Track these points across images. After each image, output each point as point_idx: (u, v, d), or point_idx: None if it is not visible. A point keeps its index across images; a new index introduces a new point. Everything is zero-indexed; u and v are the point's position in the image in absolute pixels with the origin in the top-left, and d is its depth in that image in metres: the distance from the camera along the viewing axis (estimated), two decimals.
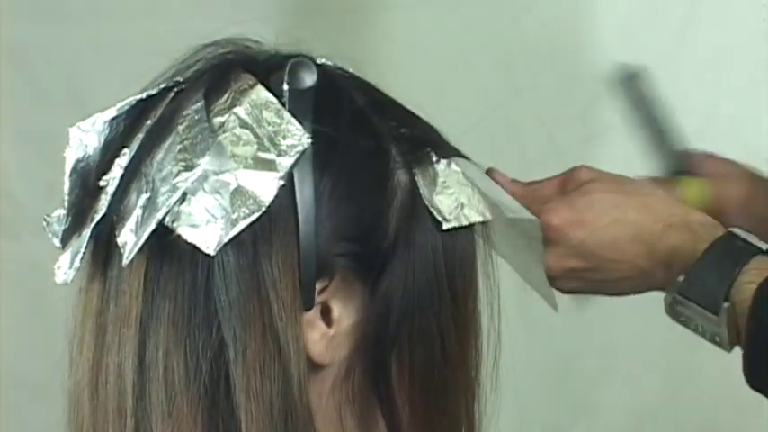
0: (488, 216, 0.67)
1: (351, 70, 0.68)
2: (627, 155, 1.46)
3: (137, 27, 1.46)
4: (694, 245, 0.82)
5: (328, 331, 0.62)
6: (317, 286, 0.61)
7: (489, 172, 0.84)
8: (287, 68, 0.61)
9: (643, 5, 1.50)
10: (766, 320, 0.79)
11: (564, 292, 0.86)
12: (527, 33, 1.50)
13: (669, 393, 1.52)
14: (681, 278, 0.81)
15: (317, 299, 0.61)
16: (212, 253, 0.58)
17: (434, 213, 0.64)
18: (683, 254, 0.82)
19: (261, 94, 0.61)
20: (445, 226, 0.64)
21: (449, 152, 0.68)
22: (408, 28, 1.49)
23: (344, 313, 0.63)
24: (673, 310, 0.83)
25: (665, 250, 0.83)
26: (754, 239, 0.84)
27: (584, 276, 0.84)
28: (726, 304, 0.80)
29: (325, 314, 0.62)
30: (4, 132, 1.49)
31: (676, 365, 1.51)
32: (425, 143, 0.67)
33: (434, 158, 0.66)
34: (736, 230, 0.84)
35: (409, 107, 0.69)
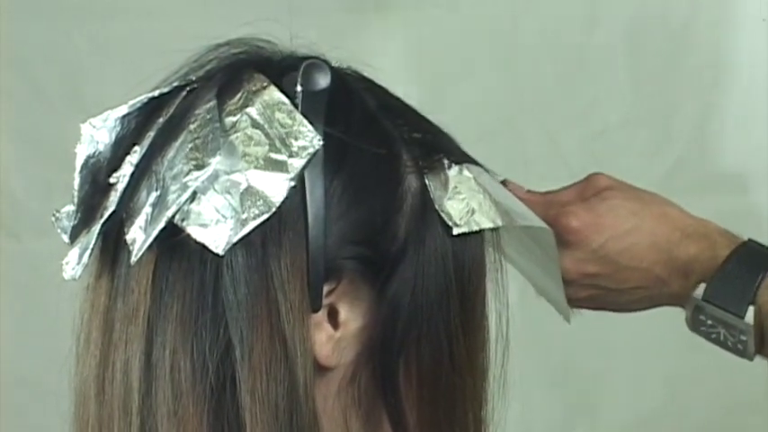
0: (499, 222, 0.66)
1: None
2: (627, 155, 1.48)
3: (137, 27, 1.46)
4: (714, 252, 0.82)
5: (335, 334, 0.62)
6: (325, 288, 0.61)
7: (504, 184, 0.83)
8: (300, 69, 0.61)
9: (643, 5, 1.50)
10: None
11: (576, 301, 0.85)
12: (527, 33, 1.50)
13: (669, 394, 1.52)
14: (703, 285, 0.81)
15: (325, 301, 0.61)
16: (221, 253, 0.58)
17: (445, 218, 0.64)
18: (702, 262, 0.82)
19: (273, 94, 0.61)
20: (455, 231, 0.64)
21: (461, 158, 0.67)
22: (408, 28, 1.49)
23: (352, 316, 0.62)
24: (694, 320, 0.82)
25: (684, 258, 0.82)
26: None
27: (600, 284, 0.83)
28: (752, 307, 0.80)
29: (333, 317, 0.62)
30: (4, 132, 1.48)
31: (677, 366, 1.51)
32: (438, 148, 0.66)
33: (446, 164, 0.66)
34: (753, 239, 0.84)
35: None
